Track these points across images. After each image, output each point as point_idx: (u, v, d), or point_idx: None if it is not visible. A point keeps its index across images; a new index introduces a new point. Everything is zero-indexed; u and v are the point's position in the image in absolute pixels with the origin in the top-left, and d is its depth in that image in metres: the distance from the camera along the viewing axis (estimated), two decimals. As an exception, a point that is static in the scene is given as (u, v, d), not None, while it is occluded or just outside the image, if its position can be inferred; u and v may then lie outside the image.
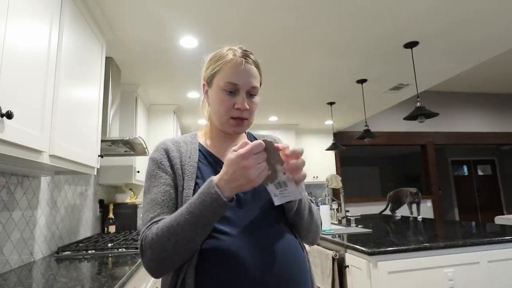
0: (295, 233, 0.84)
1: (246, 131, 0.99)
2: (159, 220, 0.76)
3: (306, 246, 0.90)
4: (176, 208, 0.79)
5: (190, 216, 0.68)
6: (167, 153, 0.86)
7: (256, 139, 0.97)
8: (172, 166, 0.84)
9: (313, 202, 0.94)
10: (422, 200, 6.34)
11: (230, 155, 0.67)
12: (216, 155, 0.89)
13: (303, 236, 0.87)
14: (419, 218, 3.09)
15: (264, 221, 0.79)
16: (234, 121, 0.85)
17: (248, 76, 0.85)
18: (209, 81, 0.89)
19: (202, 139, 0.93)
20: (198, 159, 0.86)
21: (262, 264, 0.73)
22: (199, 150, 0.89)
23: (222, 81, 0.85)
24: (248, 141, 0.68)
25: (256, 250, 0.74)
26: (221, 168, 0.72)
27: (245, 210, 0.80)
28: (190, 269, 0.73)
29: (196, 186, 0.80)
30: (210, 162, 0.87)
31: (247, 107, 0.84)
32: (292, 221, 0.83)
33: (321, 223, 0.95)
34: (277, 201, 0.73)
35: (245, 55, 0.86)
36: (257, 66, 0.88)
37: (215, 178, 0.69)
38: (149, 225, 0.75)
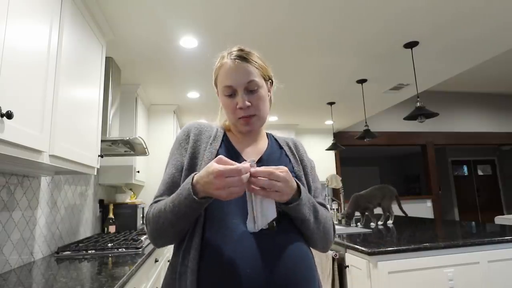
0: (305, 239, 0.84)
1: (268, 132, 1.02)
2: (161, 200, 0.83)
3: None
4: None
5: (172, 204, 0.75)
6: (188, 134, 0.91)
7: (277, 142, 0.99)
8: (188, 149, 0.88)
9: (326, 207, 0.93)
10: (422, 200, 6.35)
11: (210, 164, 0.69)
12: (237, 149, 0.91)
13: (312, 244, 0.87)
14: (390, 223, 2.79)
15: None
16: (243, 121, 0.88)
17: (241, 74, 0.86)
18: (216, 87, 0.94)
19: (227, 131, 0.96)
20: (220, 147, 0.88)
21: (266, 265, 0.72)
22: (223, 140, 0.91)
23: (221, 86, 0.89)
24: (229, 161, 0.69)
25: (260, 252, 0.73)
26: (239, 161, 0.76)
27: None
28: (192, 267, 0.73)
29: None
30: (230, 153, 0.88)
31: (248, 104, 0.86)
32: (300, 228, 0.83)
33: (334, 229, 0.92)
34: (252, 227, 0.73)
35: (237, 55, 0.87)
36: (254, 63, 0.88)
37: (196, 176, 0.72)
38: (152, 203, 0.84)
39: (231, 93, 0.87)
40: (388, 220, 2.79)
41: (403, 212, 2.92)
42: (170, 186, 0.84)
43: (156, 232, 0.79)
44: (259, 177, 0.70)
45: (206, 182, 0.68)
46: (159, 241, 0.81)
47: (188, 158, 0.86)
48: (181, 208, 0.73)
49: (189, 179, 0.73)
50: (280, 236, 0.77)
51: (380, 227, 2.64)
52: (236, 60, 0.86)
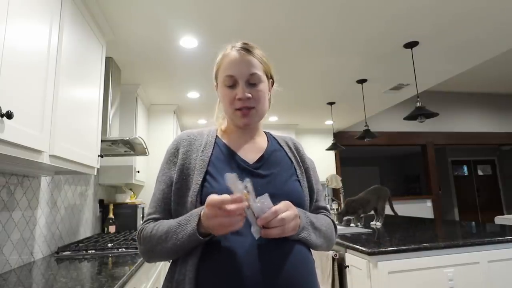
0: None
1: (266, 131, 1.00)
2: (154, 218, 0.82)
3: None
4: (171, 205, 0.83)
5: (173, 233, 0.75)
6: (177, 148, 0.89)
7: (276, 140, 0.97)
8: (178, 162, 0.86)
9: (327, 209, 0.94)
10: (422, 200, 6.35)
11: (208, 199, 0.68)
12: (233, 149, 0.88)
13: (316, 249, 0.87)
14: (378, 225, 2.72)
15: None
16: (240, 112, 0.85)
17: (245, 65, 0.85)
18: (216, 79, 0.92)
19: (221, 133, 0.93)
20: (212, 153, 0.86)
21: (266, 270, 0.71)
22: (216, 143, 0.89)
23: (222, 76, 0.87)
24: (227, 196, 0.66)
25: (261, 257, 0.72)
26: (235, 162, 0.81)
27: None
28: (190, 275, 0.72)
29: (205, 181, 0.80)
30: (226, 156, 0.86)
31: (248, 95, 0.84)
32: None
33: (335, 229, 0.93)
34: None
35: (243, 47, 0.87)
36: (259, 57, 0.88)
37: (202, 215, 0.72)
38: (147, 221, 0.83)
39: (232, 84, 0.85)
40: (379, 221, 2.78)
41: (394, 212, 2.94)
42: (161, 203, 0.84)
43: (151, 253, 0.79)
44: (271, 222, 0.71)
45: (207, 219, 0.69)
46: (151, 260, 0.82)
47: (178, 172, 0.84)
48: (181, 239, 0.73)
49: (196, 211, 0.73)
50: (280, 240, 0.75)
51: (379, 227, 2.63)
52: (241, 51, 0.86)
